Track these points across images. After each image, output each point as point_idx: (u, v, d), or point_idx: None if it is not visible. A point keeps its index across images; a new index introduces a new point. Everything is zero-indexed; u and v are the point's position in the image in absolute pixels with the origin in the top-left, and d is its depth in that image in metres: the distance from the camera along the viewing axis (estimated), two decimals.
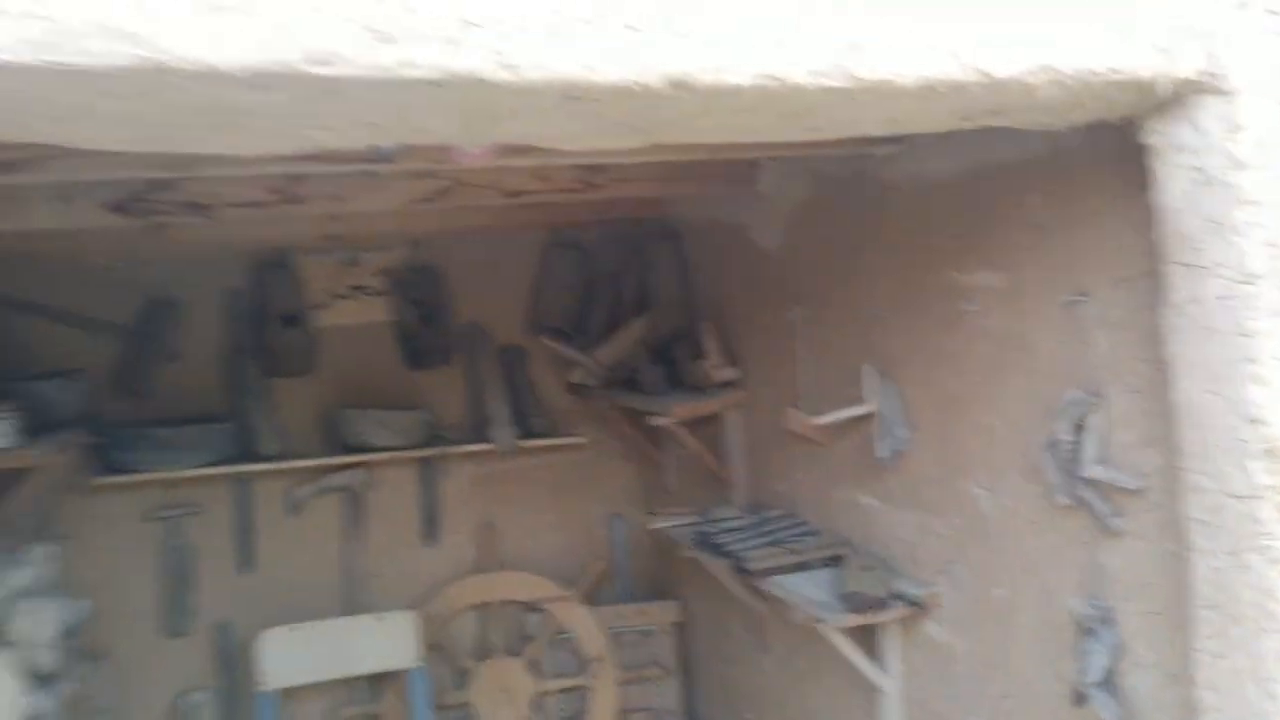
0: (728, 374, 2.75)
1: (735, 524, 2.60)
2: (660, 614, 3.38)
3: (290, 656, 2.87)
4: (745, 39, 0.95)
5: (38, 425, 2.43)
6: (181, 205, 1.98)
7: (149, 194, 1.94)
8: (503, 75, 0.88)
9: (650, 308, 3.16)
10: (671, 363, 2.96)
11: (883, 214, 2.13)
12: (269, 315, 3.03)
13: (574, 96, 0.94)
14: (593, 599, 3.36)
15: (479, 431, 3.24)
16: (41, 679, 2.00)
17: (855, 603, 2.05)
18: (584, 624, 3.29)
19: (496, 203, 2.33)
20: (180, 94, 0.86)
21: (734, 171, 2.46)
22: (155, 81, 0.82)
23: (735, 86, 0.94)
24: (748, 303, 2.77)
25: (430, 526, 3.31)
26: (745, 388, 2.79)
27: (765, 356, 2.70)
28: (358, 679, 3.10)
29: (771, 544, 2.39)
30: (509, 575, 3.32)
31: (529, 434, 3.25)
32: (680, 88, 0.93)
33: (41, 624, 1.96)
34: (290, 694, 2.96)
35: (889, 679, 2.23)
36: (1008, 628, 1.89)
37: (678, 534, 2.71)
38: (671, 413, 2.76)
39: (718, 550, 2.45)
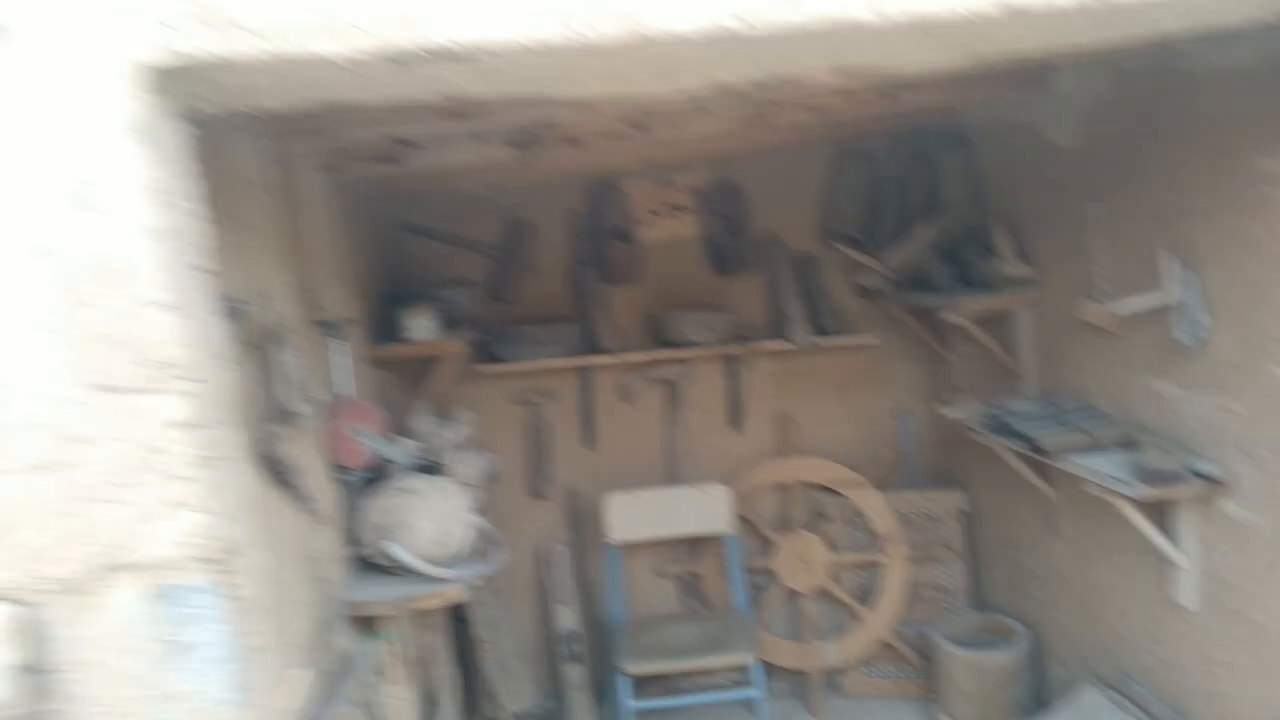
0: (1020, 271, 2.89)
1: (1027, 411, 2.78)
2: (946, 501, 3.63)
3: (629, 516, 3.47)
4: None
5: (447, 323, 3.11)
6: (560, 139, 2.47)
7: (538, 131, 2.45)
8: (875, 20, 1.19)
9: (937, 211, 3.33)
10: (961, 263, 3.14)
11: (1184, 105, 2.19)
12: (603, 232, 3.56)
13: (928, 31, 1.23)
14: (883, 485, 3.67)
15: (777, 331, 3.61)
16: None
17: (1152, 477, 2.20)
18: (876, 506, 3.61)
19: (798, 120, 2.61)
20: (654, 54, 1.25)
21: (1026, 74, 2.55)
22: (642, 47, 1.22)
23: (1062, 8, 1.19)
24: (1040, 201, 2.87)
25: (735, 414, 3.76)
26: (1036, 284, 2.92)
27: (1058, 253, 2.81)
28: (679, 541, 3.65)
29: (1065, 428, 2.56)
30: (806, 460, 3.71)
31: (822, 333, 3.57)
32: (1015, 14, 1.19)
33: (472, 468, 2.59)
34: (627, 549, 3.57)
35: (1185, 555, 2.36)
36: None
37: (970, 421, 2.93)
38: (965, 309, 2.96)
39: (1012, 433, 2.66)
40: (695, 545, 3.71)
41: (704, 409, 3.76)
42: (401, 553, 2.07)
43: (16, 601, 1.15)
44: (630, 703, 3.15)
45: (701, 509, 3.49)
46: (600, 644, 3.64)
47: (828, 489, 3.70)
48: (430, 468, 2.35)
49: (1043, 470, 2.91)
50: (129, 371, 1.14)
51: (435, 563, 2.11)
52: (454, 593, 2.09)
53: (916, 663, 3.57)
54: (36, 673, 1.16)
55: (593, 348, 3.55)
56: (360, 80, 1.24)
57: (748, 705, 3.41)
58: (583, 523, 3.71)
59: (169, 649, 1.19)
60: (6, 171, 1.11)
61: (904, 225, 3.47)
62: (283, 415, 1.69)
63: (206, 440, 1.18)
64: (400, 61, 1.16)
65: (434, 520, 2.15)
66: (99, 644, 1.18)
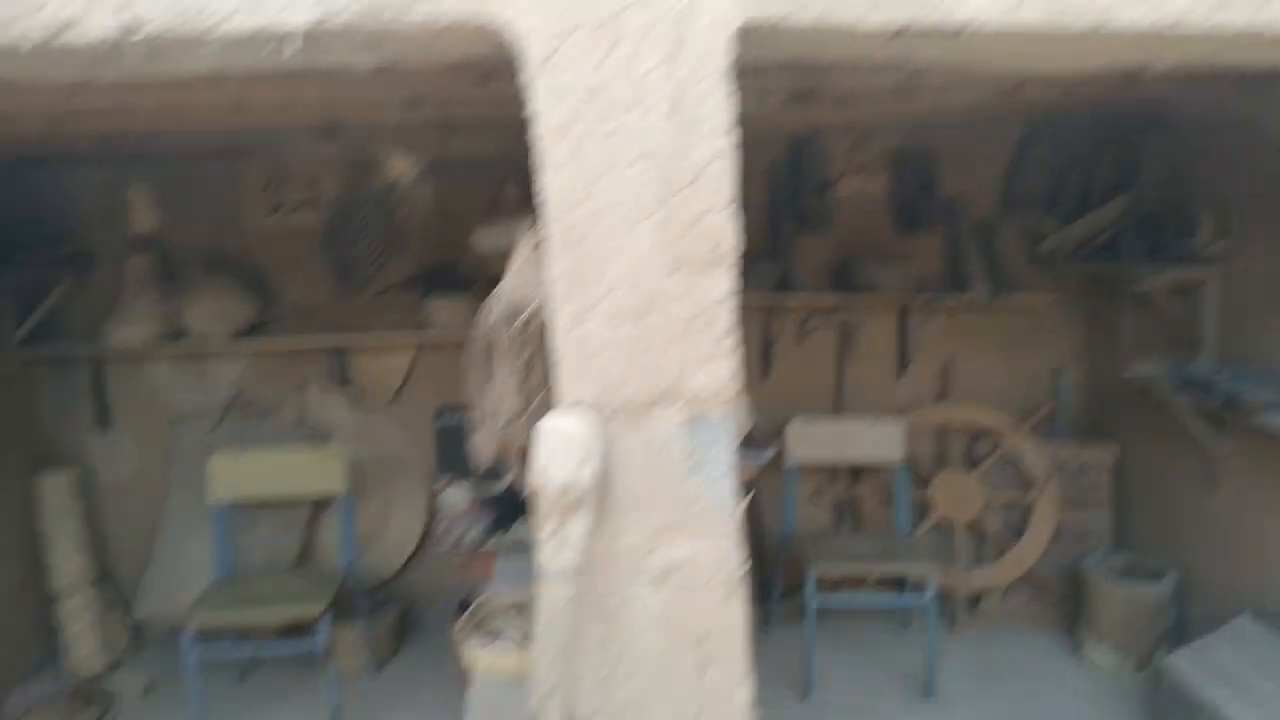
0: (1218, 248, 3.19)
1: (1216, 374, 3.11)
2: (1097, 453, 3.97)
3: (808, 441, 3.85)
4: None
5: None
6: (833, 97, 2.80)
7: (816, 87, 2.78)
8: (1150, 22, 1.51)
9: (1127, 188, 3.62)
10: (1153, 236, 3.45)
11: None
12: (801, 183, 3.90)
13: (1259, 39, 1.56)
14: (1038, 434, 4.02)
15: (952, 287, 3.95)
16: None
17: None
18: (1030, 451, 3.97)
19: (1036, 96, 2.91)
20: (1090, 43, 1.58)
21: (1252, 76, 2.83)
22: (1089, 37, 1.55)
23: None
24: (1247, 186, 3.15)
25: (903, 359, 4.12)
26: (1230, 260, 3.23)
27: (1261, 234, 3.10)
28: (837, 469, 4.04)
29: (1261, 387, 2.88)
30: (968, 405, 4.06)
31: (996, 293, 3.90)
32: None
33: None
34: (802, 471, 3.96)
35: None
36: None
37: (1160, 377, 3.25)
38: (1161, 279, 3.27)
39: (1208, 390, 2.98)
40: (853, 473, 4.09)
41: (874, 353, 4.11)
42: None
43: (594, 413, 1.55)
44: (814, 600, 3.53)
45: (875, 440, 3.85)
46: (760, 554, 4.05)
47: (985, 433, 4.06)
48: None
49: (1218, 426, 3.24)
50: (700, 253, 1.52)
51: None
52: (752, 469, 2.49)
53: (1057, 595, 3.94)
54: (601, 470, 1.56)
55: (783, 286, 3.90)
56: (854, 46, 1.59)
57: (905, 615, 3.84)
58: (752, 445, 4.09)
59: (691, 463, 1.58)
60: (625, 91, 1.48)
61: (1087, 199, 3.77)
62: None
63: (733, 309, 1.57)
64: (903, 35, 1.51)
65: None
66: (643, 454, 1.58)
